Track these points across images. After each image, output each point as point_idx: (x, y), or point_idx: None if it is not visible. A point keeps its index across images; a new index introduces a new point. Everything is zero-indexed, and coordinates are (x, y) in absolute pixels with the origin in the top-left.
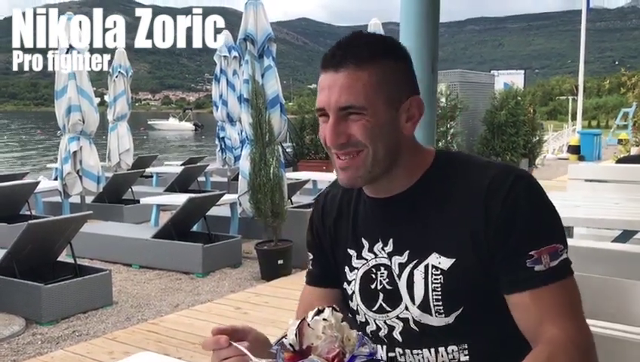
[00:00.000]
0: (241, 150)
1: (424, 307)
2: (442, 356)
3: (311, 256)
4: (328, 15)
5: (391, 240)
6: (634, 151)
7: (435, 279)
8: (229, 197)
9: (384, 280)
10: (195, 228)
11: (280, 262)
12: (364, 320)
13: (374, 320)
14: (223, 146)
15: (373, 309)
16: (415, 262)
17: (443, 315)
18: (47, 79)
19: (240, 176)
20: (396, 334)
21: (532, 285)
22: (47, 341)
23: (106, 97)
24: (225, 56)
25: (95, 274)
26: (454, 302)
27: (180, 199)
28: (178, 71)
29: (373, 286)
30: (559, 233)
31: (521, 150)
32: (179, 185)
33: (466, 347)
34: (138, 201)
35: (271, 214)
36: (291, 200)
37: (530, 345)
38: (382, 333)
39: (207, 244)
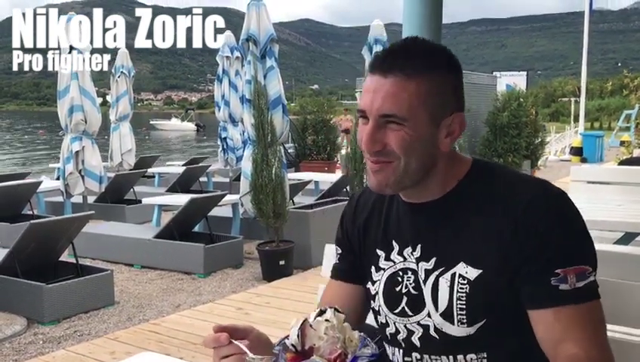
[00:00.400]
0: (243, 150)
1: (447, 315)
2: None
3: (339, 251)
4: (330, 16)
5: (419, 246)
6: (636, 153)
7: (460, 288)
8: (230, 198)
9: (410, 284)
10: (196, 228)
11: (281, 262)
12: (384, 321)
13: (394, 323)
14: (224, 147)
15: (395, 312)
16: (442, 269)
17: (465, 325)
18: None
19: (242, 177)
20: (415, 339)
21: (555, 303)
22: (49, 341)
23: (108, 97)
24: (227, 57)
25: (97, 274)
26: (478, 313)
27: (181, 199)
28: (180, 71)
29: (398, 289)
30: (589, 256)
31: (523, 151)
32: (181, 185)
33: (485, 356)
34: (140, 201)
35: (273, 215)
36: (293, 201)
37: (549, 359)
38: (400, 337)
39: (208, 245)
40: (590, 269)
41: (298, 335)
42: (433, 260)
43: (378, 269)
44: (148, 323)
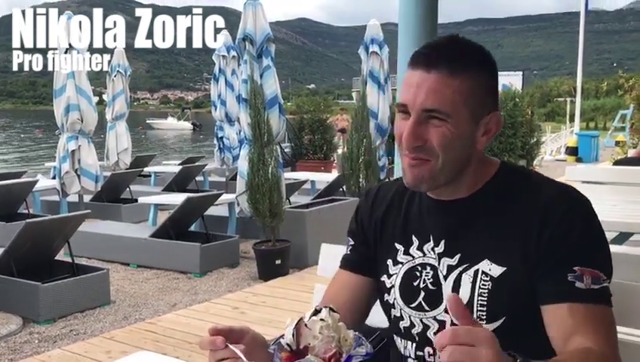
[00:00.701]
0: (240, 150)
1: None
2: None
3: (351, 243)
4: (327, 15)
5: (443, 242)
6: (631, 153)
7: (482, 285)
8: (227, 197)
9: (428, 279)
10: (192, 227)
11: (278, 262)
12: (398, 314)
13: (410, 317)
14: (221, 146)
15: (412, 306)
16: (465, 266)
17: (484, 322)
18: (45, 78)
19: (238, 176)
20: (430, 334)
21: (571, 298)
22: (45, 340)
23: (104, 96)
24: (224, 56)
25: (93, 273)
26: (498, 311)
27: (178, 198)
28: (177, 70)
29: (415, 284)
30: (606, 264)
31: (518, 151)
32: (177, 184)
33: None
34: (136, 201)
35: (269, 214)
36: (289, 201)
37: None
38: (415, 331)
39: (204, 244)
40: (605, 277)
41: (293, 335)
42: (457, 256)
43: (396, 263)
44: (144, 323)
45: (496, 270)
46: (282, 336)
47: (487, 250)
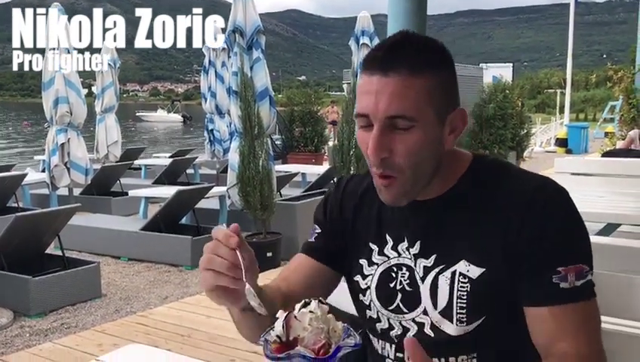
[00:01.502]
0: (230, 142)
1: (446, 313)
2: None
3: (317, 230)
4: (317, 7)
5: (418, 243)
6: (619, 144)
7: (461, 287)
8: (217, 190)
9: (405, 281)
10: (183, 220)
11: (269, 254)
12: (375, 316)
13: (388, 319)
14: (211, 139)
15: (390, 308)
16: (442, 267)
17: (465, 324)
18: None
19: (229, 169)
20: (409, 336)
21: (555, 301)
22: (36, 333)
23: (93, 89)
24: (213, 48)
25: (83, 266)
26: (478, 312)
27: (168, 191)
28: (166, 62)
29: (392, 286)
30: (587, 254)
31: (509, 143)
32: (167, 177)
33: (475, 356)
34: (126, 194)
35: (260, 207)
36: (280, 193)
37: (537, 359)
38: (394, 333)
39: (195, 237)
40: (587, 268)
41: (283, 326)
42: (433, 257)
43: (371, 263)
44: (135, 316)
45: (474, 271)
46: (272, 328)
47: (464, 250)
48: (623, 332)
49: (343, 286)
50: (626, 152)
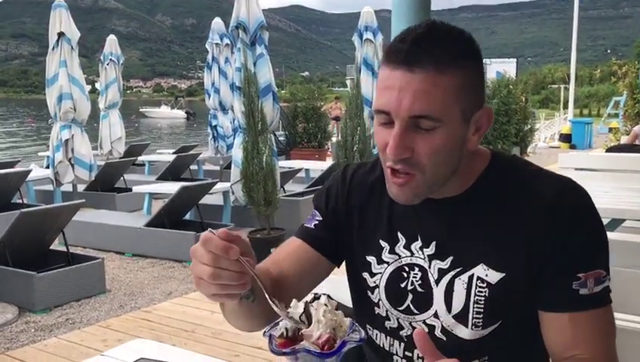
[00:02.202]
0: (234, 138)
1: (461, 317)
2: None
3: (318, 218)
4: (321, 2)
5: (434, 243)
6: (624, 140)
7: (479, 291)
8: (221, 186)
9: (417, 281)
10: (187, 216)
11: (272, 250)
12: (384, 315)
13: (398, 319)
14: (215, 135)
15: (400, 309)
16: (458, 270)
17: (480, 328)
18: (37, 66)
19: (232, 165)
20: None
21: (574, 308)
22: (41, 329)
23: (97, 85)
24: (217, 44)
25: (88, 262)
26: (495, 316)
27: (172, 187)
28: (170, 58)
29: (402, 286)
30: (606, 258)
31: (512, 138)
32: (171, 173)
33: (486, 358)
34: (130, 190)
35: (263, 203)
36: (284, 189)
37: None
38: (403, 333)
39: (199, 233)
40: (605, 273)
41: (302, 315)
42: (449, 260)
43: (380, 262)
44: (140, 311)
45: (493, 276)
46: (278, 323)
47: (483, 253)
48: (628, 327)
49: (342, 280)
50: (631, 147)
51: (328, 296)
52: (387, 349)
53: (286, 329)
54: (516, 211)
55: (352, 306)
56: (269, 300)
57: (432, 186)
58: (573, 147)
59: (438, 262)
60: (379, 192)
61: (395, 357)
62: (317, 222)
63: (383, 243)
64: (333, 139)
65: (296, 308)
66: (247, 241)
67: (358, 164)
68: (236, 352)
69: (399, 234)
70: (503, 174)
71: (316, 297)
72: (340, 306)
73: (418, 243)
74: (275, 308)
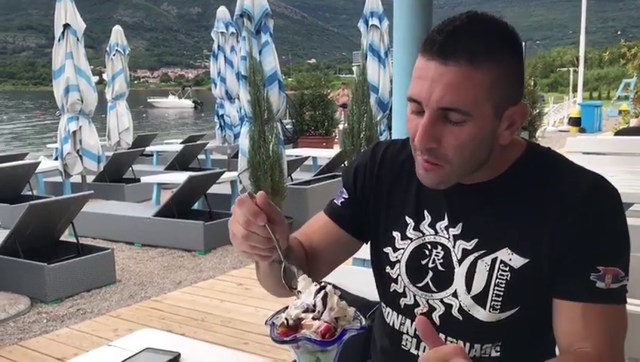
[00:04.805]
0: (241, 127)
1: (480, 299)
2: (476, 351)
3: (345, 196)
4: None
5: (460, 224)
6: (633, 122)
7: (500, 275)
8: (229, 175)
9: (438, 260)
10: (195, 205)
11: None
12: (401, 291)
13: (414, 296)
14: (222, 124)
15: (419, 285)
16: (482, 252)
17: (497, 311)
18: (44, 58)
19: (240, 154)
20: (435, 316)
21: (589, 299)
22: (53, 319)
23: (104, 76)
24: (222, 33)
25: (98, 252)
26: (513, 301)
27: (180, 177)
28: (176, 47)
29: (424, 263)
30: (626, 261)
31: None
32: (179, 163)
33: (500, 344)
34: (139, 180)
35: (271, 191)
36: (291, 178)
37: (556, 348)
38: (418, 310)
39: (208, 222)
40: (623, 274)
41: (323, 299)
42: (474, 241)
43: (404, 237)
44: (150, 301)
45: (517, 261)
46: (279, 311)
47: (509, 238)
48: (636, 312)
49: (348, 269)
50: (639, 130)
51: (334, 286)
52: (397, 328)
53: (287, 318)
54: (546, 201)
55: (353, 294)
56: (282, 270)
57: (460, 175)
58: (582, 131)
59: (462, 242)
60: (408, 170)
61: (405, 336)
62: (343, 199)
63: (408, 220)
64: (340, 126)
65: (308, 290)
66: (279, 211)
67: (390, 141)
68: (245, 340)
69: (426, 212)
70: (536, 164)
71: (322, 286)
72: (343, 294)
73: (444, 223)
74: (284, 281)
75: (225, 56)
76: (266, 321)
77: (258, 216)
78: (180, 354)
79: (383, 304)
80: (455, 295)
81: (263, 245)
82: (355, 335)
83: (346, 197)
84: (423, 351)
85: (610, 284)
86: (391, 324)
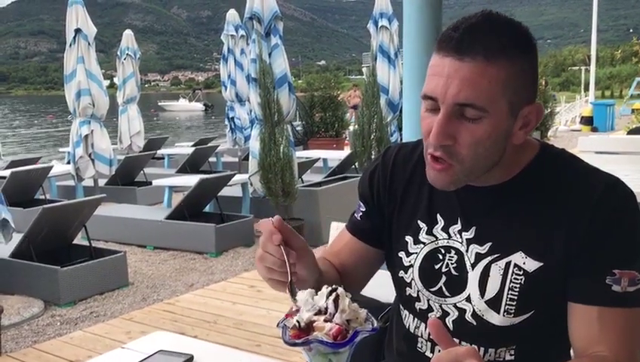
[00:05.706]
0: (251, 130)
1: (493, 304)
2: (490, 355)
3: (362, 209)
4: None
5: (474, 228)
6: None
7: (514, 278)
8: (240, 178)
9: (452, 264)
10: (207, 208)
11: None
12: (415, 295)
13: (428, 300)
14: (232, 126)
15: (432, 290)
16: (496, 256)
17: (512, 316)
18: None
19: (250, 156)
20: (448, 321)
21: (605, 303)
22: (66, 322)
23: (115, 80)
24: (232, 36)
25: (110, 256)
26: (528, 305)
27: (191, 180)
28: (186, 51)
29: (437, 267)
30: None
31: None
32: (190, 166)
33: (514, 347)
34: (150, 183)
35: (282, 193)
36: (302, 179)
37: (571, 351)
38: (432, 315)
39: (219, 224)
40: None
41: (335, 301)
42: (488, 245)
43: (417, 242)
44: (162, 303)
45: (531, 264)
46: (289, 314)
47: (523, 241)
48: None
49: None
50: None
51: (344, 288)
52: (412, 331)
53: (298, 321)
54: (560, 203)
55: (365, 296)
56: (288, 286)
57: (470, 176)
58: (594, 130)
59: (476, 246)
60: (421, 173)
61: (419, 340)
62: (362, 213)
63: (421, 224)
64: (351, 127)
65: (320, 292)
66: (301, 238)
67: (400, 144)
68: (257, 342)
69: (438, 216)
70: (550, 166)
71: (334, 288)
72: (355, 296)
73: (457, 227)
74: (290, 296)
75: (235, 59)
76: (278, 324)
77: (273, 235)
78: (192, 357)
79: (400, 305)
80: (469, 299)
81: (277, 267)
82: (367, 337)
83: (364, 209)
84: None
85: (627, 288)
86: (407, 327)
